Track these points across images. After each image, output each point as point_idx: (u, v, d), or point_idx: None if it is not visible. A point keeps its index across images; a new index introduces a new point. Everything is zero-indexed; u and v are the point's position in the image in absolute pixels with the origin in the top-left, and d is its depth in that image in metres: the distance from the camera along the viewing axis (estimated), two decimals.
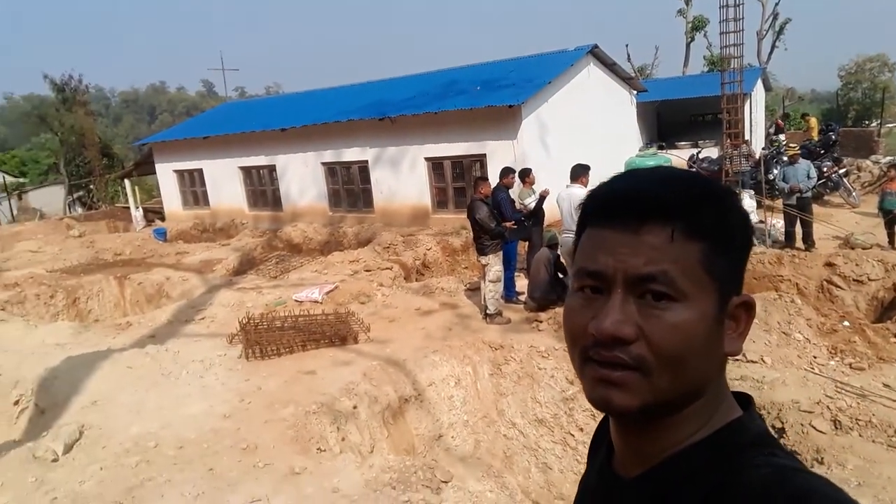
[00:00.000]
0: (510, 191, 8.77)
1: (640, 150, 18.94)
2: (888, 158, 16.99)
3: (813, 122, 19.16)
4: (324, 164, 16.32)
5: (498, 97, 13.12)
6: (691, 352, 0.70)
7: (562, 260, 8.02)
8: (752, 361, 5.61)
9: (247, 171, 18.23)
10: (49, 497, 4.14)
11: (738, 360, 5.69)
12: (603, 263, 0.73)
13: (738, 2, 8.78)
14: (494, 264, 7.73)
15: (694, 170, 14.21)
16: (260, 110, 20.81)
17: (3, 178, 29.68)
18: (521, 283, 9.00)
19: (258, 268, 11.79)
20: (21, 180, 32.02)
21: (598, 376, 0.72)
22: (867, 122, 31.65)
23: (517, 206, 8.78)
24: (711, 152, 18.73)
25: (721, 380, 0.78)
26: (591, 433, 4.17)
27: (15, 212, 25.85)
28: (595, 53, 15.51)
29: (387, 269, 10.77)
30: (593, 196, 0.79)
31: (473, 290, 9.02)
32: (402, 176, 14.82)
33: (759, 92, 23.96)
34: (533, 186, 9.21)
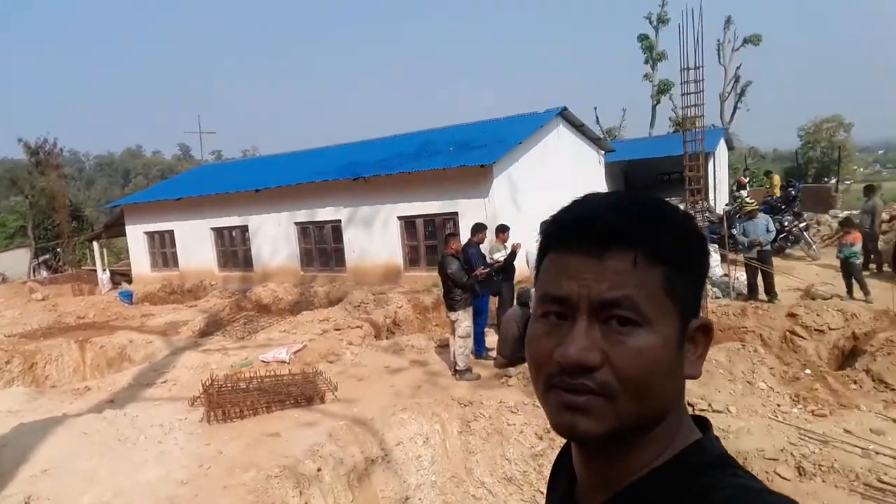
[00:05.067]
0: (481, 246, 8.86)
1: None
2: (845, 213, 17.61)
3: (776, 179, 19.83)
4: (297, 223, 16.34)
5: (471, 157, 13.39)
6: (656, 377, 0.70)
7: None
8: (718, 411, 5.62)
9: (218, 232, 18.16)
10: None
11: (704, 409, 5.69)
12: (567, 289, 0.73)
13: (697, 65, 9.20)
14: (464, 320, 7.71)
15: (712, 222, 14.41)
16: (234, 172, 20.94)
17: None
18: (491, 339, 8.97)
19: (225, 329, 11.59)
20: None
21: (563, 402, 0.71)
22: (826, 180, 32.82)
23: (488, 260, 8.84)
24: None
25: (681, 403, 0.77)
26: None
27: None
28: (564, 115, 16.01)
29: (357, 327, 10.66)
30: (556, 221, 0.80)
31: (443, 347, 8.95)
32: (374, 235, 14.88)
33: (722, 151, 24.81)
34: (505, 242, 9.31)
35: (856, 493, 4.12)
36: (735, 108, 33.82)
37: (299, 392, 7.25)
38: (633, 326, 0.70)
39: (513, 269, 9.44)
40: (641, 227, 0.72)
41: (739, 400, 5.78)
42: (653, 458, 0.74)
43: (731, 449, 4.92)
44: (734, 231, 13.13)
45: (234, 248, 18.05)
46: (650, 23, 34.52)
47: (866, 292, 9.31)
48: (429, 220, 14.15)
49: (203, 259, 18.38)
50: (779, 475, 4.43)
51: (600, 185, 19.10)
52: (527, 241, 9.04)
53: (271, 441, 6.05)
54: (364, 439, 6.26)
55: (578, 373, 0.70)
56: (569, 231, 0.75)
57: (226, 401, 6.83)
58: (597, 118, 33.01)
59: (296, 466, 5.55)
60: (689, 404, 5.84)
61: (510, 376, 7.51)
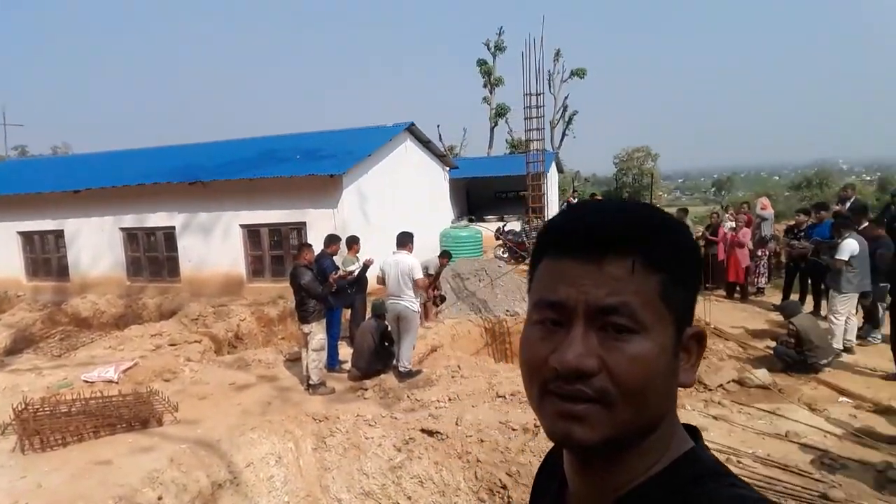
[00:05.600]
0: (334, 258, 8.70)
1: (453, 223, 19.99)
2: None
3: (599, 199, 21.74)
4: (123, 229, 14.88)
5: (319, 167, 13.12)
6: (652, 384, 0.70)
7: (389, 329, 8.01)
8: None
9: (27, 237, 16.01)
10: None
11: None
12: (564, 294, 0.71)
13: (539, 92, 9.84)
14: (318, 332, 7.51)
15: (500, 241, 15.52)
16: (46, 170, 18.63)
17: None
18: (344, 352, 8.84)
19: (37, 346, 10.25)
20: None
21: (559, 410, 0.70)
22: None
23: (341, 273, 8.70)
24: (515, 225, 20.33)
25: (674, 412, 0.77)
26: (419, 501, 4.09)
27: None
28: (412, 130, 16.28)
29: (195, 342, 9.96)
30: (551, 227, 0.78)
31: (293, 361, 8.65)
32: (213, 243, 14.00)
33: (553, 174, 26.73)
34: (357, 254, 9.23)
35: None
36: (563, 134, 36.69)
37: (132, 414, 6.59)
38: (630, 333, 0.69)
39: (365, 281, 9.39)
40: (640, 234, 0.72)
41: None
42: (648, 468, 0.74)
43: None
44: None
45: (46, 256, 16.00)
46: (488, 49, 36.40)
47: None
48: (274, 229, 13.62)
49: (8, 267, 16.07)
50: None
51: (445, 200, 19.66)
52: (378, 253, 9.07)
53: (102, 469, 5.44)
54: (210, 462, 5.84)
55: (575, 379, 0.69)
56: (565, 236, 0.74)
57: (44, 427, 6.02)
58: (440, 136, 34.05)
59: (133, 496, 5.03)
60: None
61: (366, 389, 7.44)
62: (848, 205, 11.01)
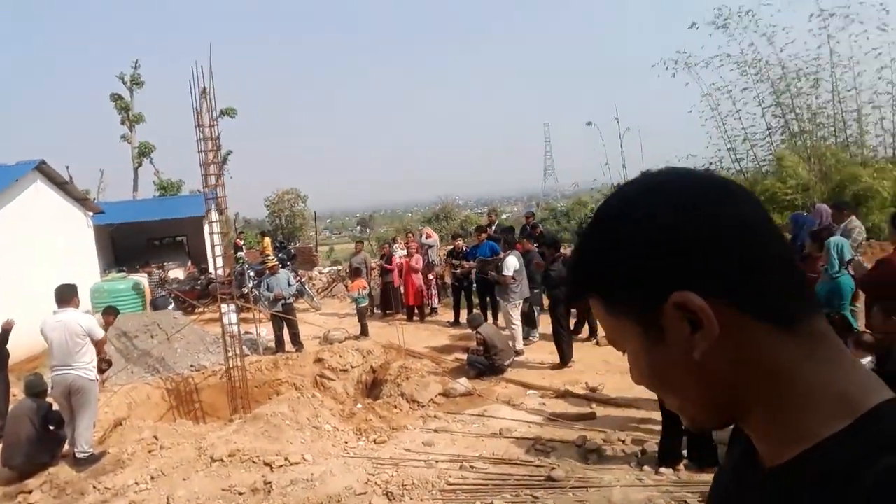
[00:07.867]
0: None
1: (104, 275, 17.35)
2: (328, 269, 20.46)
3: (267, 241, 21.40)
4: None
5: None
6: (656, 379, 0.74)
7: (55, 408, 6.40)
8: (296, 463, 5.59)
9: None
10: None
11: (283, 465, 5.58)
12: None
13: (211, 124, 9.22)
14: None
15: (163, 293, 14.19)
16: None
17: None
18: None
19: None
20: None
21: None
22: (294, 243, 37.09)
23: None
24: (178, 273, 18.73)
25: (782, 380, 0.66)
26: None
27: None
28: (43, 170, 13.64)
29: None
30: None
31: None
32: None
33: (214, 215, 25.28)
34: None
35: (438, 500, 4.69)
36: (220, 174, 35.18)
37: None
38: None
39: (6, 353, 7.44)
40: (573, 276, 0.77)
41: (312, 446, 5.89)
42: (810, 429, 0.65)
43: (323, 494, 4.95)
44: (246, 290, 13.69)
45: None
46: (123, 83, 33.00)
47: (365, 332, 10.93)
48: None
49: None
50: None
51: (90, 249, 16.92)
52: (12, 316, 7.35)
53: None
54: None
55: None
56: None
57: None
58: (70, 178, 29.26)
59: None
60: (266, 463, 5.64)
61: (30, 491, 5.79)
62: (493, 228, 12.93)
